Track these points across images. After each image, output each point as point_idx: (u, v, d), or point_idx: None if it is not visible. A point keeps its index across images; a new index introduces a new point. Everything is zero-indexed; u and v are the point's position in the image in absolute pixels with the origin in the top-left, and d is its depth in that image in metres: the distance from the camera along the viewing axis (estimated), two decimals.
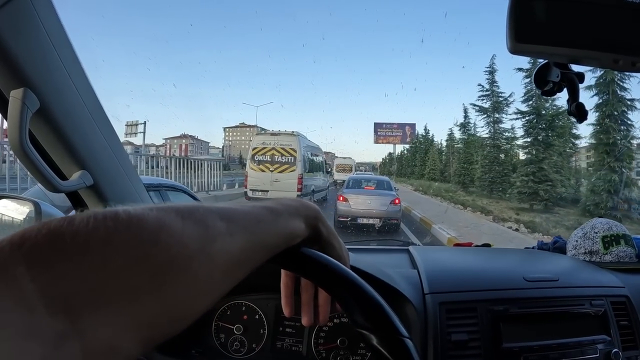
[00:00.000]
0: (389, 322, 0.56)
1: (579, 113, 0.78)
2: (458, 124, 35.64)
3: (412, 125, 57.96)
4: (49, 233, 0.32)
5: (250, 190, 15.02)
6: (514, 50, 0.66)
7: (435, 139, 51.85)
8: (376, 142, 60.03)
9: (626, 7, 0.65)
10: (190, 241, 0.40)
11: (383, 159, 75.92)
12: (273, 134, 15.79)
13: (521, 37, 0.65)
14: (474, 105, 29.10)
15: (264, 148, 15.21)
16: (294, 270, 0.63)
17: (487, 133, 28.18)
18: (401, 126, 58.76)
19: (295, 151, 15.07)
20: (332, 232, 0.65)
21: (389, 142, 59.97)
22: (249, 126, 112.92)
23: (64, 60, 0.82)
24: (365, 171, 52.69)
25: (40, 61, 0.77)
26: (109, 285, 0.33)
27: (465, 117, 34.98)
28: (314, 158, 18.39)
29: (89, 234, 0.33)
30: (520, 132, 23.93)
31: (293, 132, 15.83)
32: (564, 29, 0.65)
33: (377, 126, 59.59)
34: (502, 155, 26.88)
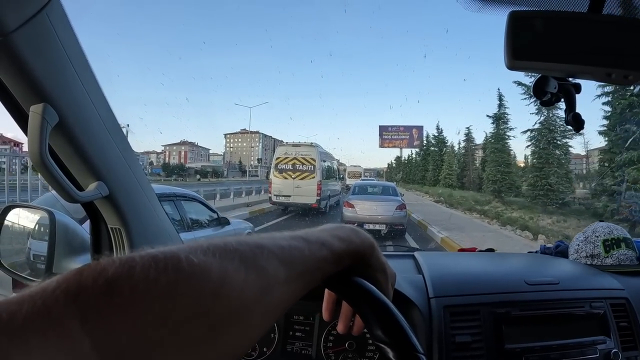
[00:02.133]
0: (407, 338, 0.58)
1: (576, 123, 0.80)
2: (491, 115, 29.31)
3: (420, 128, 54.46)
4: (105, 284, 0.31)
5: (274, 195, 16.82)
6: (511, 67, 0.69)
7: (448, 140, 47.26)
8: (381, 146, 56.84)
9: (618, 23, 0.68)
10: (250, 292, 0.39)
11: (389, 164, 72.09)
12: (294, 145, 17.74)
13: (518, 54, 0.68)
14: (520, 83, 23.84)
15: (286, 158, 17.17)
16: (341, 296, 0.65)
17: (539, 124, 22.82)
18: (408, 129, 55.56)
19: (314, 160, 16.99)
20: (383, 266, 0.65)
21: (395, 146, 56.96)
22: (251, 132, 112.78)
23: (80, 76, 0.85)
24: (370, 177, 51.64)
25: (59, 77, 0.80)
26: (167, 340, 0.32)
27: (501, 105, 28.92)
28: (330, 165, 20.21)
29: (149, 287, 0.32)
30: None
31: (312, 143, 17.84)
32: (559, 45, 0.68)
33: (383, 129, 56.57)
34: (558, 152, 22.40)
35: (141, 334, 0.30)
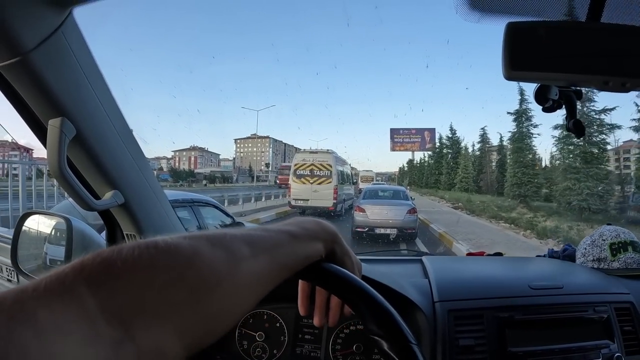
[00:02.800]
0: (398, 329, 0.61)
1: (577, 129, 0.82)
2: (512, 111, 25.74)
3: (432, 130, 51.33)
4: (103, 261, 0.39)
5: (293, 199, 17.78)
6: (509, 77, 0.70)
7: (462, 141, 44.34)
8: (393, 149, 54.42)
9: (614, 30, 0.69)
10: (219, 264, 0.47)
11: (400, 168, 68.03)
12: (312, 152, 19.00)
13: (515, 64, 0.69)
14: None
15: (304, 164, 18.15)
16: (316, 283, 0.71)
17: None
18: (419, 131, 52.75)
19: (330, 166, 17.86)
20: (347, 251, 0.73)
21: (406, 150, 54.10)
22: (261, 137, 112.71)
23: (96, 90, 0.89)
24: (381, 181, 50.21)
25: (75, 92, 0.84)
26: (154, 300, 0.40)
27: (522, 100, 25.01)
28: (344, 171, 21.01)
29: (136, 260, 0.40)
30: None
31: (328, 150, 18.96)
32: (556, 54, 0.68)
33: (394, 132, 53.92)
34: (595, 150, 19.25)
35: (134, 294, 0.38)
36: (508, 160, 28.17)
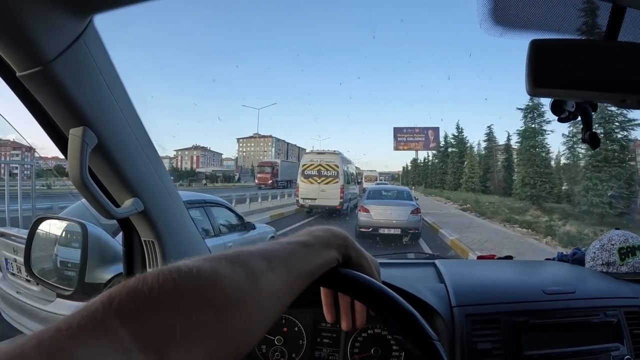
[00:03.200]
0: (420, 327, 0.64)
1: (592, 141, 0.83)
2: (523, 106, 24.46)
3: (436, 129, 50.78)
4: (129, 291, 0.41)
5: (302, 198, 18.44)
6: (532, 94, 0.73)
7: (468, 140, 42.29)
8: (396, 148, 53.57)
9: (632, 49, 0.70)
10: (240, 282, 0.49)
11: (404, 167, 68.15)
12: (319, 152, 19.79)
13: (539, 82, 0.71)
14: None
15: (311, 164, 19.05)
16: (336, 289, 0.73)
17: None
18: (423, 130, 52.07)
19: (337, 167, 18.78)
20: (362, 254, 0.74)
21: (410, 149, 53.46)
22: (263, 136, 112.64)
23: (117, 99, 0.89)
24: (384, 180, 50.42)
25: (97, 101, 0.84)
26: (182, 324, 0.41)
27: None
28: (350, 171, 21.85)
29: (161, 287, 0.42)
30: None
31: (335, 151, 19.76)
32: (577, 73, 0.70)
33: (397, 131, 53.23)
34: (616, 147, 17.84)
35: (163, 321, 0.40)
36: (516, 159, 27.11)
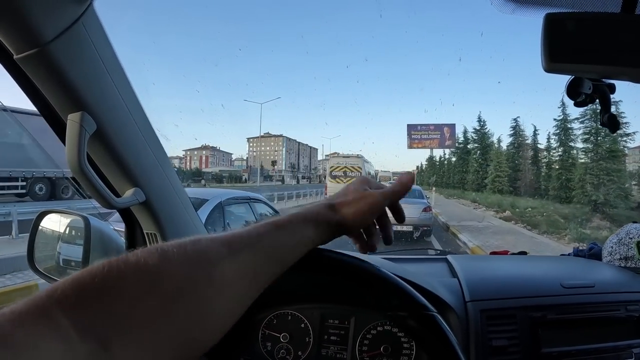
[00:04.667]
0: (415, 300, 0.64)
1: (611, 124, 0.81)
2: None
3: (452, 126, 48.13)
4: (73, 281, 0.41)
5: (329, 196, 19.97)
6: (549, 69, 0.70)
7: (492, 135, 39.31)
8: (410, 147, 49.76)
9: None
10: (192, 269, 0.48)
11: (418, 166, 64.51)
12: (344, 156, 23.63)
13: (555, 57, 0.69)
14: None
15: (338, 166, 22.51)
16: (320, 273, 0.71)
17: None
18: (438, 127, 48.39)
19: (360, 168, 22.09)
20: (347, 203, 0.71)
21: (424, 147, 49.66)
22: (274, 136, 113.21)
23: (117, 84, 0.86)
24: None
25: (96, 85, 0.81)
26: (126, 313, 0.41)
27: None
28: (370, 171, 25.44)
29: (105, 276, 0.42)
30: None
31: (358, 155, 23.47)
32: (595, 47, 0.68)
33: (411, 128, 49.62)
34: None
35: (105, 309, 0.40)
36: (555, 156, 25.29)
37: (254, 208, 5.93)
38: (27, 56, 0.71)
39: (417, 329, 0.62)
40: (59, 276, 1.27)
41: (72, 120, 0.78)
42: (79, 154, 0.78)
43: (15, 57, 0.71)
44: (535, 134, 32.24)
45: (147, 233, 1.10)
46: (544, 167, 28.92)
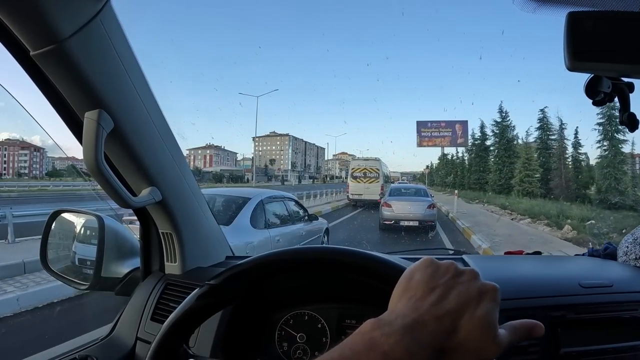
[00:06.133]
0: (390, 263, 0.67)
1: (631, 123, 0.80)
2: None
3: (464, 123, 44.82)
4: None
5: (351, 194, 24.10)
6: (572, 68, 0.69)
7: (514, 128, 33.91)
8: (420, 144, 47.24)
9: None
10: None
11: (428, 165, 59.46)
12: (364, 159, 25.94)
13: (578, 55, 0.69)
14: None
15: (359, 168, 24.71)
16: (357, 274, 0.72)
17: None
18: (450, 124, 46.16)
19: (378, 170, 24.51)
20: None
21: (435, 145, 47.01)
22: (280, 135, 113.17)
23: (134, 82, 0.85)
24: (406, 180, 49.67)
25: (113, 83, 0.81)
26: None
27: None
28: (386, 172, 28.26)
29: None
30: None
31: (376, 158, 25.76)
32: (618, 45, 0.68)
33: (421, 125, 47.05)
34: None
35: None
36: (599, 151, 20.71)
37: (288, 205, 6.59)
38: (44, 53, 0.70)
39: None
40: (75, 277, 1.27)
41: (90, 118, 0.77)
42: (96, 152, 0.76)
43: (31, 53, 0.71)
44: (561, 128, 29.37)
45: (162, 233, 1.09)
46: (582, 164, 25.54)
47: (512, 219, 17.74)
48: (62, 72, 0.74)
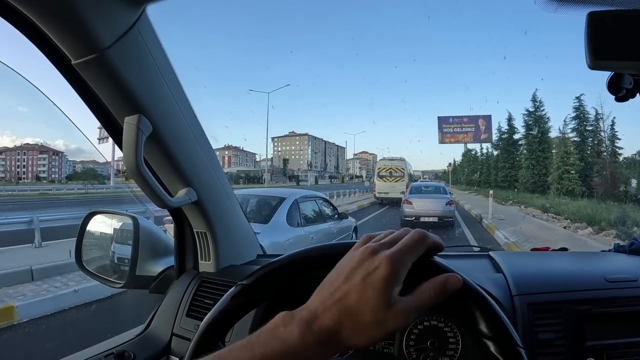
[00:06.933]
0: (508, 332, 0.60)
1: None
2: None
3: (487, 118, 42.44)
4: None
5: (377, 192, 25.73)
6: (593, 67, 0.69)
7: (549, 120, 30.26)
8: (441, 141, 45.07)
9: None
10: None
11: (450, 163, 57.51)
12: (390, 159, 27.74)
13: (599, 54, 0.69)
14: None
15: (385, 167, 26.59)
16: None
17: None
18: (472, 119, 43.60)
19: (403, 169, 26.30)
20: None
21: (457, 141, 45.16)
22: (299, 135, 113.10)
23: (170, 87, 0.89)
24: (428, 179, 48.47)
25: (151, 89, 0.84)
26: None
27: None
28: (410, 171, 30.16)
29: None
30: None
31: (401, 158, 27.69)
32: (638, 44, 0.68)
33: (442, 121, 45.26)
34: None
35: None
36: None
37: (320, 204, 6.96)
38: (85, 62, 0.73)
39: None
40: (112, 275, 1.31)
41: (129, 123, 0.81)
42: (136, 155, 0.80)
43: (73, 62, 0.74)
44: (597, 118, 26.20)
45: (197, 232, 1.12)
46: (620, 158, 22.24)
47: (564, 227, 13.76)
48: (102, 79, 0.78)
